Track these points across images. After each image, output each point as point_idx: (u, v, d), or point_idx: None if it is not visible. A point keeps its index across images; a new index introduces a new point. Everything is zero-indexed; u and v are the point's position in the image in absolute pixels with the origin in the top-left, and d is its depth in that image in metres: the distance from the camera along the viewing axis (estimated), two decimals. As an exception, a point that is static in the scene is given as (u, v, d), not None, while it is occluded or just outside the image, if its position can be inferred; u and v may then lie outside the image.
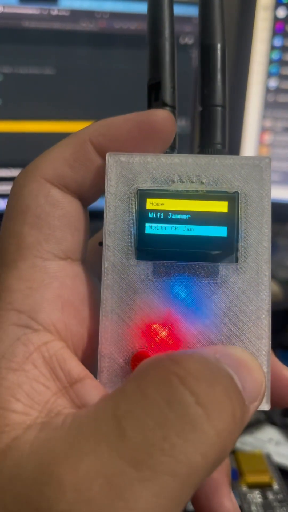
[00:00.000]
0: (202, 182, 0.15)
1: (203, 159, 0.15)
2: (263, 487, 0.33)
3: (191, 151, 0.61)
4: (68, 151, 0.15)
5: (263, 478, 0.33)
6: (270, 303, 0.15)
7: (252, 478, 0.33)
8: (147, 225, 0.15)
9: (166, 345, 0.15)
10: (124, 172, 0.15)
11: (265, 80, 0.60)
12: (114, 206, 0.15)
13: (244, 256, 0.15)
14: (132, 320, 0.15)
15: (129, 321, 0.15)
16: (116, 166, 0.15)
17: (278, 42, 0.59)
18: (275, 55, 0.59)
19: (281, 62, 0.59)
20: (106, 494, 0.10)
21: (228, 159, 0.15)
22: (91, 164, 0.15)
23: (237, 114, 0.62)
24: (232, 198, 0.15)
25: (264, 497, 0.32)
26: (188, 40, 0.57)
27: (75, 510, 0.10)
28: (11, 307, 0.14)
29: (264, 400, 0.14)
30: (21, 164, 0.56)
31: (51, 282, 0.14)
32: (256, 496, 0.32)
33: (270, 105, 0.61)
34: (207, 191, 0.15)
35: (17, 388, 0.13)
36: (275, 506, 0.31)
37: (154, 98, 0.16)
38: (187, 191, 0.15)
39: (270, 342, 0.15)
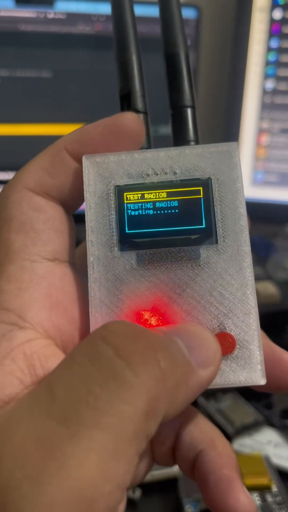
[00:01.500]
0: (175, 173, 0.16)
1: (174, 151, 0.16)
2: (262, 490, 0.33)
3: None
4: (46, 160, 0.16)
5: (262, 481, 0.33)
6: (253, 279, 0.15)
7: (250, 481, 0.33)
8: (127, 217, 0.16)
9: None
10: (100, 171, 0.16)
11: (262, 81, 0.60)
12: (94, 203, 0.16)
13: (223, 237, 0.15)
14: (121, 310, 0.15)
15: (118, 310, 0.15)
16: (92, 167, 0.16)
17: (274, 43, 0.59)
18: (272, 57, 0.59)
19: (278, 64, 0.59)
20: (39, 455, 0.10)
21: (197, 149, 0.16)
22: (69, 170, 0.16)
23: (234, 116, 0.62)
24: (206, 184, 0.15)
25: (263, 499, 0.32)
26: (185, 42, 0.57)
27: (12, 476, 0.10)
28: (0, 306, 0.14)
29: (259, 374, 0.14)
30: (18, 167, 0.56)
31: (40, 282, 0.15)
32: (255, 499, 0.32)
33: (267, 107, 0.61)
34: (181, 180, 0.16)
35: None
36: (274, 508, 0.31)
37: (126, 107, 0.17)
38: (162, 182, 0.16)
39: (258, 318, 0.15)
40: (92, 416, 0.11)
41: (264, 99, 0.61)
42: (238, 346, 0.15)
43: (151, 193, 0.16)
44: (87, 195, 0.16)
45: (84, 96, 0.55)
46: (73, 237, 0.17)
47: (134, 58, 0.18)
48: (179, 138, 0.17)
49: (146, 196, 0.16)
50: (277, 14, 0.58)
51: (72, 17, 0.53)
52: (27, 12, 0.52)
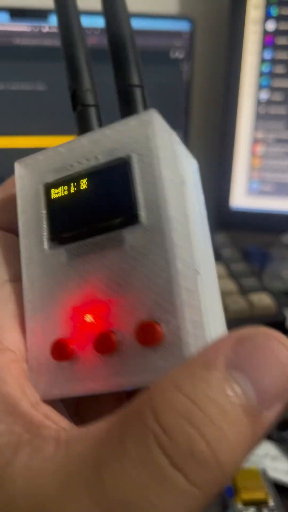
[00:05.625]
0: (97, 158, 0.15)
1: (96, 135, 0.15)
2: (259, 504, 0.32)
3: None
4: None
5: (259, 495, 0.33)
6: (189, 264, 0.13)
7: (247, 495, 0.33)
8: (53, 213, 0.15)
9: (94, 326, 0.14)
10: (31, 172, 0.16)
11: (256, 92, 0.61)
12: (26, 205, 0.15)
13: (147, 216, 0.14)
14: (56, 310, 0.14)
15: (53, 311, 0.14)
16: (24, 170, 0.16)
17: (268, 55, 0.59)
18: (265, 68, 0.60)
19: (271, 75, 0.60)
20: None
21: (118, 126, 0.15)
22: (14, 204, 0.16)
23: (229, 126, 0.62)
24: (126, 162, 0.14)
25: (260, 514, 0.32)
26: (179, 55, 0.58)
27: None
28: None
29: (186, 348, 0.13)
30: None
31: (7, 304, 0.15)
32: (252, 514, 0.32)
33: (261, 117, 0.61)
34: (103, 164, 0.14)
35: None
36: (271, 523, 0.31)
37: (75, 103, 0.17)
38: (86, 169, 0.15)
39: (201, 310, 0.13)
40: None
41: (259, 109, 0.61)
42: (166, 337, 0.13)
43: (75, 184, 0.15)
44: (19, 199, 0.15)
45: (79, 109, 0.56)
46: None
47: (79, 54, 0.17)
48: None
49: (71, 188, 0.15)
50: (270, 26, 0.58)
51: (67, 31, 0.53)
52: (21, 26, 0.52)
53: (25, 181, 0.16)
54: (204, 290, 0.14)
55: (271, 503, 0.33)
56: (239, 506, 0.32)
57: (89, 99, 0.17)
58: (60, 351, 0.14)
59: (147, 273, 0.13)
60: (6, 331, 0.14)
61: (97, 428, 0.12)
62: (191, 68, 0.59)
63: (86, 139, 0.15)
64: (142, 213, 0.14)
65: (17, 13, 0.52)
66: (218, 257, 0.54)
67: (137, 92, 0.16)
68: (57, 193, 0.15)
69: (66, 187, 0.15)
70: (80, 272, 0.14)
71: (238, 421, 0.11)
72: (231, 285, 0.47)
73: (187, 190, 0.15)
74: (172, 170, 0.14)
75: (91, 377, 0.13)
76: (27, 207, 0.15)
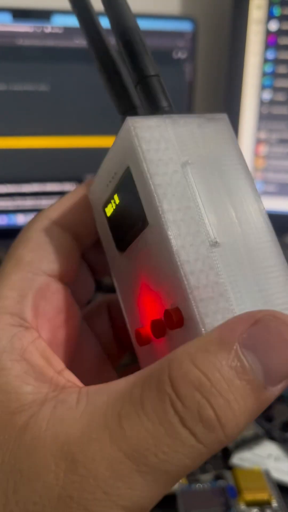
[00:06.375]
0: (115, 173, 0.17)
1: (112, 150, 0.17)
2: (262, 505, 0.32)
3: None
4: (72, 200, 0.19)
5: (262, 496, 0.32)
6: (194, 244, 0.14)
7: (250, 496, 0.32)
8: (112, 228, 0.18)
9: (153, 313, 0.16)
10: (94, 198, 0.19)
11: (259, 92, 0.60)
12: (99, 220, 0.19)
13: (149, 215, 0.15)
14: (133, 301, 0.18)
15: (132, 302, 0.18)
16: (92, 191, 0.19)
17: (271, 55, 0.59)
18: (268, 68, 0.60)
19: (274, 75, 0.60)
20: (110, 474, 0.12)
21: (117, 139, 0.16)
22: (87, 212, 0.19)
23: (232, 126, 0.62)
24: (129, 175, 0.16)
25: (263, 515, 0.32)
26: (181, 55, 0.58)
27: (86, 482, 0.12)
28: (5, 311, 0.16)
29: (199, 327, 0.14)
30: (17, 179, 0.56)
31: (36, 292, 0.17)
32: (255, 515, 0.32)
33: (264, 117, 0.61)
34: (120, 177, 0.16)
35: (24, 374, 0.15)
36: (274, 524, 0.31)
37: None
38: (115, 186, 0.17)
39: (221, 282, 0.14)
40: (159, 463, 0.12)
41: (262, 110, 0.61)
42: (185, 319, 0.14)
43: (114, 201, 0.17)
44: (95, 215, 0.19)
45: (82, 109, 0.56)
46: (75, 264, 0.19)
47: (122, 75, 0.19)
48: (152, 106, 0.17)
49: (113, 205, 0.17)
50: (273, 26, 0.58)
51: (69, 32, 0.53)
52: (24, 27, 0.52)
53: (94, 201, 0.19)
54: (237, 260, 0.15)
55: (274, 504, 0.32)
56: (242, 507, 0.32)
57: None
58: (140, 338, 0.17)
59: (163, 265, 0.15)
60: (32, 315, 0.17)
61: (116, 385, 0.14)
62: (194, 69, 0.59)
63: (109, 155, 0.17)
64: (147, 214, 0.15)
65: (19, 14, 0.52)
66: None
67: (155, 82, 0.17)
68: (109, 210, 0.18)
69: (110, 205, 0.18)
70: (137, 269, 0.17)
71: (244, 395, 0.12)
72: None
73: (194, 167, 0.16)
74: (164, 162, 0.15)
75: (161, 356, 0.15)
76: (100, 221, 0.19)
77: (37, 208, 0.57)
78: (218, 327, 0.13)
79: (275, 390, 0.13)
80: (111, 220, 0.18)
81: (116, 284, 0.19)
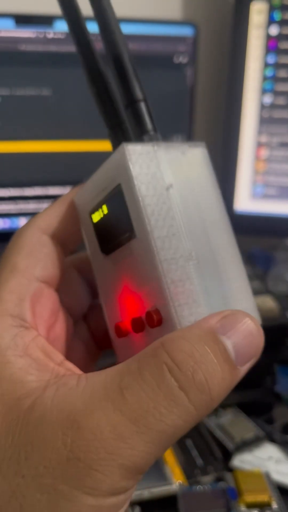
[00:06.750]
0: (106, 187, 0.19)
1: (102, 168, 0.19)
2: (262, 507, 0.32)
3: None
4: (58, 210, 0.21)
5: (262, 498, 0.33)
6: (175, 256, 0.17)
7: (251, 498, 0.33)
8: (98, 233, 0.20)
9: (132, 311, 0.19)
10: (81, 203, 0.21)
11: (260, 96, 0.61)
12: (85, 225, 0.21)
13: (137, 229, 0.17)
14: (113, 299, 0.20)
15: (112, 300, 0.20)
16: (79, 199, 0.21)
17: (271, 59, 0.59)
18: (269, 72, 0.60)
19: (275, 79, 0.60)
20: (113, 436, 0.14)
21: (111, 159, 0.18)
22: (72, 220, 0.21)
23: (233, 130, 0.62)
24: (119, 190, 0.18)
25: (264, 517, 0.32)
26: (183, 59, 0.58)
27: (92, 445, 0.14)
28: (6, 313, 0.18)
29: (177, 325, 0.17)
30: (20, 183, 0.57)
31: (32, 297, 0.19)
32: (255, 516, 0.32)
33: (265, 121, 0.62)
34: (109, 191, 0.19)
35: (27, 367, 0.17)
36: (274, 526, 0.31)
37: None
38: (104, 197, 0.19)
39: (196, 289, 0.17)
40: (157, 424, 0.14)
41: (262, 113, 0.61)
42: (164, 320, 0.17)
43: (101, 210, 0.19)
44: (81, 221, 0.21)
45: (83, 113, 0.56)
46: (62, 271, 0.21)
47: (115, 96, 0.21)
48: (138, 132, 0.19)
49: (100, 213, 0.19)
50: (274, 30, 0.59)
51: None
52: (27, 33, 0.53)
53: (80, 207, 0.21)
54: (208, 271, 0.18)
55: (275, 505, 0.33)
56: (243, 508, 0.33)
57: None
58: (119, 331, 0.19)
59: (146, 273, 0.17)
60: (28, 315, 0.18)
61: (111, 368, 0.16)
62: (195, 73, 0.59)
63: (101, 170, 0.19)
64: (135, 227, 0.17)
65: (22, 20, 0.53)
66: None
67: (142, 106, 0.19)
68: (96, 217, 0.20)
69: (98, 213, 0.20)
70: (120, 273, 0.19)
71: (223, 366, 0.15)
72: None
73: (176, 190, 0.18)
74: (153, 185, 0.17)
75: (137, 348, 0.17)
76: (85, 226, 0.21)
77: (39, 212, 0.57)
78: (196, 323, 0.16)
79: (242, 370, 0.16)
80: (97, 226, 0.20)
81: (98, 282, 0.21)
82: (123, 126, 0.20)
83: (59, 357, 0.18)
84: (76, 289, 0.23)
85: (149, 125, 0.19)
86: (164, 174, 0.18)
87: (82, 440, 0.14)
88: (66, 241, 0.21)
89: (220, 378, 0.15)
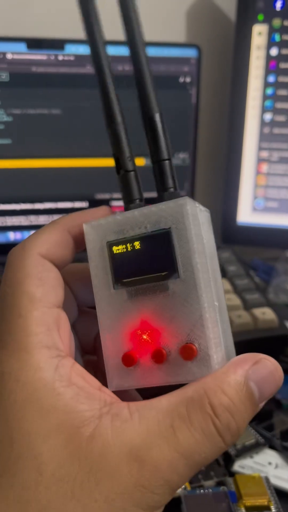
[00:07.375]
0: (146, 227, 0.20)
1: (145, 210, 0.20)
2: (261, 510, 0.33)
3: (191, 180, 0.63)
4: (55, 235, 0.21)
5: (261, 501, 0.33)
6: (211, 302, 0.19)
7: (250, 501, 0.33)
8: (116, 264, 0.21)
9: (147, 343, 0.20)
10: (96, 232, 0.21)
11: (261, 114, 0.63)
12: (94, 256, 0.21)
13: (183, 272, 0.19)
14: (121, 331, 0.21)
15: (119, 332, 0.21)
16: (91, 230, 0.21)
17: (271, 78, 0.62)
18: (270, 91, 0.62)
19: (275, 97, 0.62)
20: (170, 469, 0.17)
21: (161, 205, 0.20)
22: (69, 245, 0.22)
23: (235, 146, 0.64)
24: (168, 233, 0.20)
25: (263, 519, 0.33)
26: (187, 79, 0.61)
27: (153, 475, 0.17)
28: (41, 345, 0.19)
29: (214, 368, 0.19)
30: (30, 198, 0.59)
31: (56, 325, 0.20)
32: (254, 519, 0.33)
33: (266, 137, 0.64)
34: (151, 231, 0.20)
35: (77, 396, 0.18)
36: (273, 528, 0.32)
37: (118, 167, 0.22)
38: (138, 235, 0.20)
39: (219, 330, 0.20)
40: (201, 459, 0.18)
41: (263, 130, 0.63)
42: (199, 353, 0.19)
43: (131, 245, 0.20)
44: (89, 252, 0.21)
45: (92, 132, 0.58)
46: (64, 291, 0.22)
47: (120, 128, 0.22)
48: (160, 187, 0.21)
49: (128, 247, 0.20)
50: (274, 51, 0.61)
51: (81, 59, 0.56)
52: (38, 55, 0.55)
53: (90, 237, 0.21)
54: (220, 316, 0.20)
55: (273, 509, 0.34)
56: (243, 511, 0.33)
57: (130, 165, 0.22)
58: (128, 360, 0.20)
59: (185, 310, 0.19)
60: (59, 343, 0.19)
61: (158, 402, 0.18)
62: (199, 92, 0.61)
63: (138, 212, 0.20)
64: (180, 269, 0.19)
65: (33, 44, 0.55)
66: (223, 273, 0.55)
67: (166, 164, 0.21)
68: (118, 250, 0.21)
69: (124, 246, 0.20)
70: (138, 307, 0.20)
71: (248, 409, 0.18)
72: (236, 300, 0.49)
73: (205, 245, 0.20)
74: (197, 236, 0.20)
75: (149, 377, 0.20)
76: (95, 257, 0.21)
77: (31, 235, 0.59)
78: (231, 364, 0.19)
79: (261, 405, 0.19)
80: (116, 258, 0.21)
81: (99, 310, 0.21)
82: (132, 175, 0.22)
83: (95, 381, 0.19)
84: (67, 301, 0.23)
85: (171, 183, 0.21)
86: (201, 229, 0.20)
87: (146, 471, 0.17)
88: (61, 264, 0.22)
89: (247, 419, 0.19)
